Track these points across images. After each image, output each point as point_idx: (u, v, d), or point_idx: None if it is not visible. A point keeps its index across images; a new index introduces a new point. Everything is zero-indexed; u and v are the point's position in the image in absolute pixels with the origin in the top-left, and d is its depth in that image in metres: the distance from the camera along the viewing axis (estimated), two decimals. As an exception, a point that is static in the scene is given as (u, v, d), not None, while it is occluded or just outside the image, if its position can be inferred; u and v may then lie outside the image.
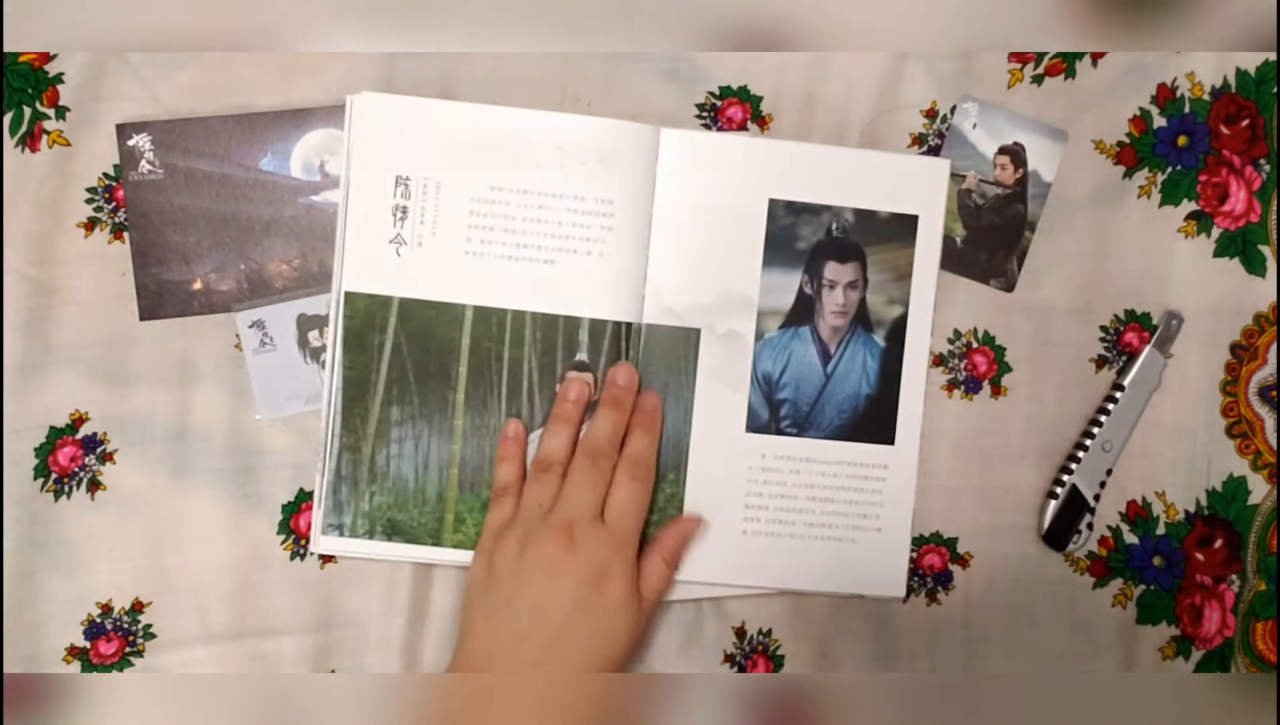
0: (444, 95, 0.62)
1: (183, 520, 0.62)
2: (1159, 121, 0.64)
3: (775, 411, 0.63)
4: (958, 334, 0.64)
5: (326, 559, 0.62)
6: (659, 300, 0.62)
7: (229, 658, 0.62)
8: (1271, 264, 0.64)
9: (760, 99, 0.64)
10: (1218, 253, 0.64)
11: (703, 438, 0.63)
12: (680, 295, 0.63)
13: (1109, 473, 0.63)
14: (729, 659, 0.64)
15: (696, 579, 0.62)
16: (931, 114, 0.64)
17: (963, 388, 0.64)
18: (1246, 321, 0.64)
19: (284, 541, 0.62)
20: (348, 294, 0.61)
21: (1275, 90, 0.63)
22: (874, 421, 0.63)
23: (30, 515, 0.61)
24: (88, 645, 0.62)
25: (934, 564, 0.64)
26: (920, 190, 0.63)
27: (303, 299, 0.62)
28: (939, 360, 0.64)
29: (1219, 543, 0.63)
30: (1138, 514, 0.64)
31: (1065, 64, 0.64)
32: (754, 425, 0.63)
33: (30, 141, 0.62)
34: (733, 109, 0.64)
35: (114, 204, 0.62)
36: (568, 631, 0.55)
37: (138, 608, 0.62)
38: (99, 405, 0.62)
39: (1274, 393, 0.63)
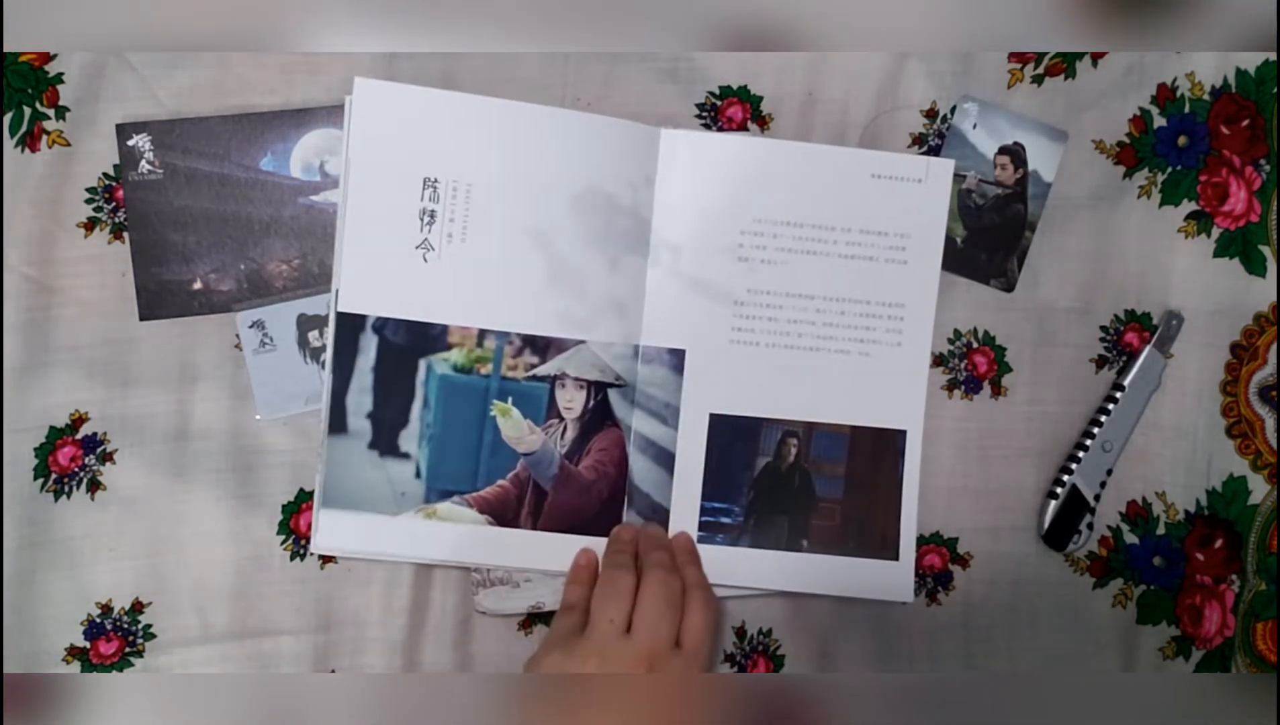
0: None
1: (183, 520, 0.62)
2: (1159, 121, 0.64)
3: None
4: (958, 334, 0.64)
5: (326, 559, 0.62)
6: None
7: (229, 658, 0.62)
8: (1271, 264, 0.64)
9: (760, 99, 0.64)
10: (1218, 253, 0.64)
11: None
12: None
13: (1109, 473, 0.63)
14: (729, 659, 0.63)
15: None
16: (931, 114, 0.64)
17: (963, 388, 0.64)
18: (1246, 321, 0.64)
19: (284, 542, 0.62)
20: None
21: (1275, 90, 0.63)
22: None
23: (30, 515, 0.61)
24: (88, 645, 0.62)
25: (934, 564, 0.64)
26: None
27: (303, 299, 0.62)
28: (939, 360, 0.64)
29: (1219, 543, 0.63)
30: (1138, 514, 0.64)
31: (1065, 64, 0.64)
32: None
33: (30, 141, 0.62)
34: (733, 109, 0.64)
35: (114, 204, 0.62)
36: None
37: (138, 608, 0.62)
38: (99, 405, 0.62)
39: (1274, 393, 0.63)
